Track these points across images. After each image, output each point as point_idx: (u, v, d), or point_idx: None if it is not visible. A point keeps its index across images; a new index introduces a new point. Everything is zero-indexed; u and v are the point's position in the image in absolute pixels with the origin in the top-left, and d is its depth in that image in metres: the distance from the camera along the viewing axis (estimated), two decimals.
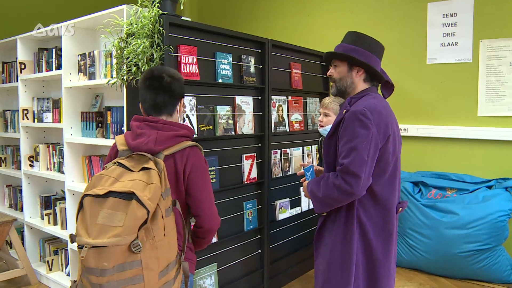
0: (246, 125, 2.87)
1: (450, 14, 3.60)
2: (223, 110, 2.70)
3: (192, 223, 1.74)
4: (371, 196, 1.74)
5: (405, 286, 3.15)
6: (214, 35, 2.66)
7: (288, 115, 3.29)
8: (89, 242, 1.27)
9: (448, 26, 3.62)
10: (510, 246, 3.22)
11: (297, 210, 3.36)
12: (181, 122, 1.75)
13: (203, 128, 2.57)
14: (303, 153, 3.45)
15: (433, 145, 3.72)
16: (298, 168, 3.36)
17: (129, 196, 1.32)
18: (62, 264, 3.24)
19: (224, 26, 2.87)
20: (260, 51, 2.99)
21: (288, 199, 3.26)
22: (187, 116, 2.45)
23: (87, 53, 2.82)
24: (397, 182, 1.83)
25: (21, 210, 3.55)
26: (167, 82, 1.63)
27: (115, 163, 1.50)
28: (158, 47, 2.24)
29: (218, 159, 2.66)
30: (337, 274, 1.76)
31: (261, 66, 2.99)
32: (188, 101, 2.46)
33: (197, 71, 2.50)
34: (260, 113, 3.00)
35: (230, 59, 2.74)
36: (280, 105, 3.20)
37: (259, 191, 3.00)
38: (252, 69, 2.91)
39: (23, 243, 3.44)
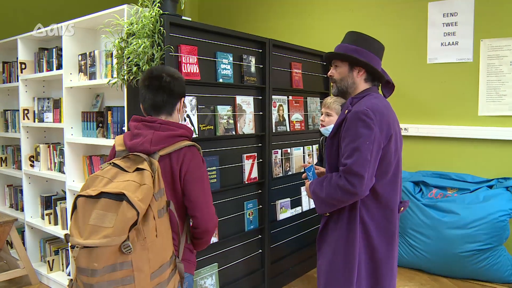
0: (247, 125, 2.87)
1: (451, 13, 3.60)
2: (223, 110, 2.69)
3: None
4: (374, 196, 1.73)
5: (406, 286, 3.15)
6: (215, 35, 2.66)
7: (288, 115, 3.29)
8: (80, 243, 1.28)
9: (449, 26, 3.62)
10: (511, 246, 3.22)
11: (297, 210, 3.35)
12: (182, 122, 1.74)
13: (204, 128, 2.57)
14: (303, 153, 3.45)
15: (434, 144, 3.72)
16: (299, 168, 3.36)
17: (119, 197, 1.32)
18: (62, 264, 3.24)
19: (225, 26, 2.87)
20: (260, 51, 2.99)
21: (288, 199, 3.26)
22: (188, 116, 2.45)
23: (87, 53, 2.82)
24: (399, 181, 1.83)
25: (22, 210, 3.55)
26: (166, 82, 1.63)
27: (110, 163, 1.51)
28: (159, 47, 2.24)
29: (219, 159, 2.66)
30: (340, 274, 1.76)
31: (261, 66, 2.98)
32: (189, 101, 2.46)
33: (197, 71, 2.50)
34: (261, 113, 3.00)
35: (231, 59, 2.74)
36: (280, 105, 3.20)
37: (260, 191, 3.00)
38: (252, 69, 2.90)
39: (23, 243, 3.44)
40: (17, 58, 3.40)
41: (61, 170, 3.12)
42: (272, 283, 3.10)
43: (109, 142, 2.61)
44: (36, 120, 3.33)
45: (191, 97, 2.47)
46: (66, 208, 3.00)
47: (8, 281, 3.24)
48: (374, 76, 1.84)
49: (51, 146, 3.24)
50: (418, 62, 3.77)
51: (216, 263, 2.65)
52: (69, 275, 3.12)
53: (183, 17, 2.45)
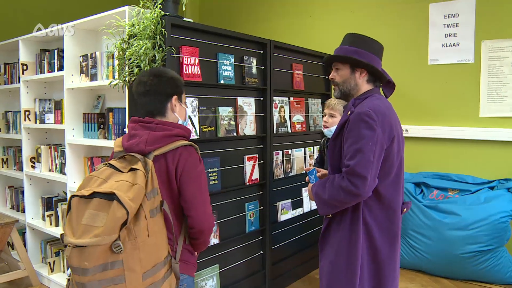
0: (248, 126, 2.87)
1: (452, 14, 3.60)
2: (225, 111, 2.69)
3: None
4: (377, 197, 1.73)
5: (407, 287, 3.15)
6: (216, 36, 2.66)
7: (290, 116, 3.29)
8: (72, 242, 1.30)
9: (450, 27, 3.62)
10: None
11: (299, 211, 3.35)
12: (182, 122, 1.74)
13: (205, 129, 2.57)
14: (305, 154, 3.45)
15: (435, 145, 3.71)
16: (300, 170, 3.36)
17: (110, 196, 1.34)
18: (63, 266, 3.24)
19: (226, 27, 2.87)
20: (262, 52, 2.99)
21: (290, 200, 3.26)
22: (189, 117, 2.45)
23: (89, 54, 2.82)
24: (402, 182, 1.82)
25: (23, 211, 3.55)
26: (151, 85, 1.64)
27: (106, 164, 1.52)
28: (160, 48, 2.24)
29: (220, 160, 2.66)
30: (342, 275, 1.76)
31: (263, 67, 2.98)
32: (190, 102, 2.46)
33: (199, 72, 2.50)
34: (262, 114, 3.00)
35: (232, 60, 2.74)
36: (282, 106, 3.20)
37: (261, 192, 3.00)
38: (254, 70, 2.90)
39: (24, 245, 3.44)
40: (18, 59, 3.40)
41: (62, 172, 3.12)
42: (273, 284, 3.09)
43: (110, 143, 2.61)
44: (37, 121, 3.34)
45: (192, 98, 2.48)
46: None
47: (9, 283, 3.24)
48: (376, 77, 1.84)
49: (52, 147, 3.24)
50: (419, 63, 3.76)
51: (217, 265, 2.65)
52: (69, 276, 3.12)
53: (185, 19, 2.45)
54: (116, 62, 2.40)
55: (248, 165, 2.88)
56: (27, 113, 3.35)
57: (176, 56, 2.35)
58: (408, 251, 3.38)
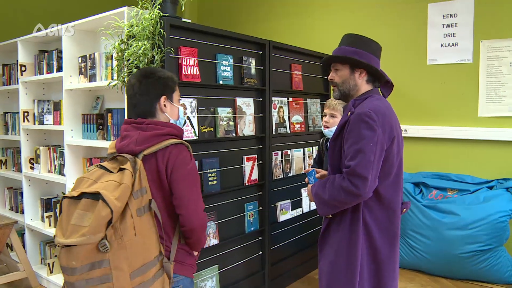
0: (247, 127, 2.87)
1: (451, 14, 3.60)
2: (224, 112, 2.69)
3: None
4: (377, 197, 1.73)
5: (406, 287, 3.15)
6: (215, 37, 2.66)
7: (289, 117, 3.29)
8: (61, 242, 1.32)
9: (449, 27, 3.62)
10: (511, 246, 3.22)
11: (298, 211, 3.35)
12: (174, 121, 1.73)
13: (204, 130, 2.57)
14: (304, 154, 3.45)
15: (434, 145, 3.72)
16: (299, 170, 3.36)
17: (96, 196, 1.35)
18: None
19: (225, 27, 2.88)
20: (260, 52, 2.99)
21: (289, 201, 3.26)
22: (188, 118, 2.45)
23: (87, 55, 2.82)
24: (401, 183, 1.82)
25: (22, 212, 3.54)
26: (138, 86, 1.64)
27: (97, 165, 1.54)
28: (159, 49, 2.24)
29: (219, 161, 2.66)
30: (342, 275, 1.76)
31: (261, 68, 2.98)
32: (189, 103, 2.46)
33: (197, 73, 2.50)
34: (261, 115, 3.00)
35: (231, 60, 2.74)
36: (281, 107, 3.20)
37: (260, 193, 3.00)
38: (253, 71, 2.90)
39: (23, 246, 3.44)
40: (17, 60, 3.40)
41: (61, 173, 3.11)
42: (273, 285, 3.09)
43: (109, 144, 2.60)
44: (36, 122, 3.33)
45: (191, 99, 2.47)
46: None
47: (8, 284, 3.23)
48: (375, 77, 1.84)
49: (51, 148, 3.24)
50: (418, 63, 3.77)
51: (216, 265, 2.65)
52: None
53: (183, 19, 2.45)
54: (115, 62, 2.40)
55: (247, 166, 2.88)
56: (25, 114, 3.34)
57: (174, 56, 2.35)
58: (408, 251, 3.38)
